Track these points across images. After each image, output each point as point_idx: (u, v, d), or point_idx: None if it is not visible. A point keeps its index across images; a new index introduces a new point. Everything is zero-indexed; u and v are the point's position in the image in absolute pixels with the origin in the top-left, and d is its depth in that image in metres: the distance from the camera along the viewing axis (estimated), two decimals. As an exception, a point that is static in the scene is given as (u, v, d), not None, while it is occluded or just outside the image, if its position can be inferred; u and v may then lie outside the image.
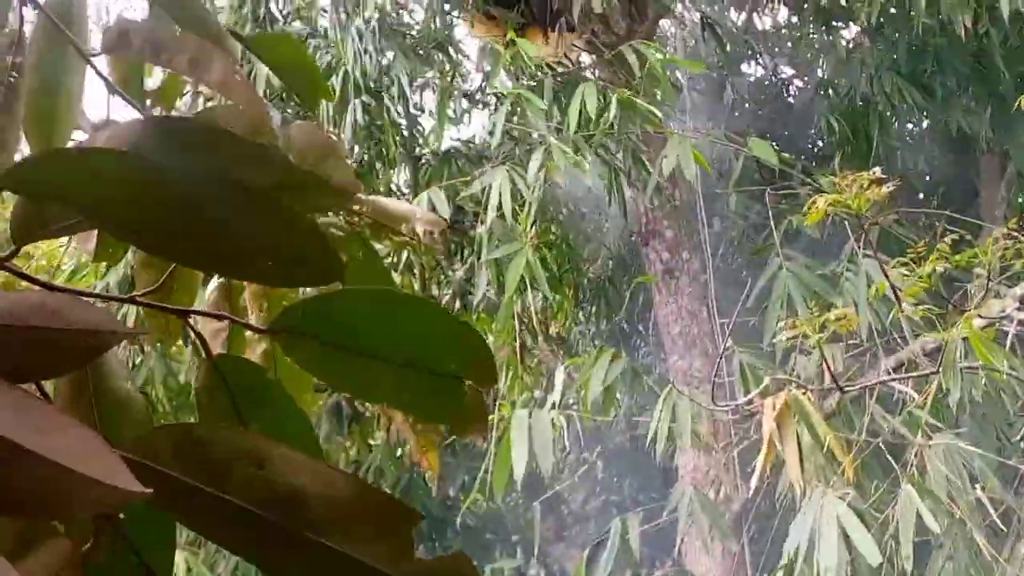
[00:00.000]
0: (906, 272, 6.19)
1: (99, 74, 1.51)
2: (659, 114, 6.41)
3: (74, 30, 1.48)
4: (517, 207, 6.39)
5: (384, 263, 1.73)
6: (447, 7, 8.21)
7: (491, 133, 7.03)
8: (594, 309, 9.66)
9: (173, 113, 1.76)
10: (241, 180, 0.96)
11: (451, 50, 8.10)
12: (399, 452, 7.92)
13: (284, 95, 6.81)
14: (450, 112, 8.02)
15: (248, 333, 1.49)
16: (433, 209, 6.22)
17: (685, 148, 6.44)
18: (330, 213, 1.66)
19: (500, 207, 6.29)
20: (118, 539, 1.01)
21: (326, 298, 1.18)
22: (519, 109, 6.92)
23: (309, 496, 0.92)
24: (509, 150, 7.03)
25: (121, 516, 1.01)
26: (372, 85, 7.16)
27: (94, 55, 1.47)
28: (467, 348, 1.16)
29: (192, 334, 1.30)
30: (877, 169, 5.93)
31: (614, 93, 6.40)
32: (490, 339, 6.72)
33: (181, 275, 1.52)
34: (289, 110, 6.72)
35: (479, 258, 6.58)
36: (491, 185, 6.32)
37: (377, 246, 1.71)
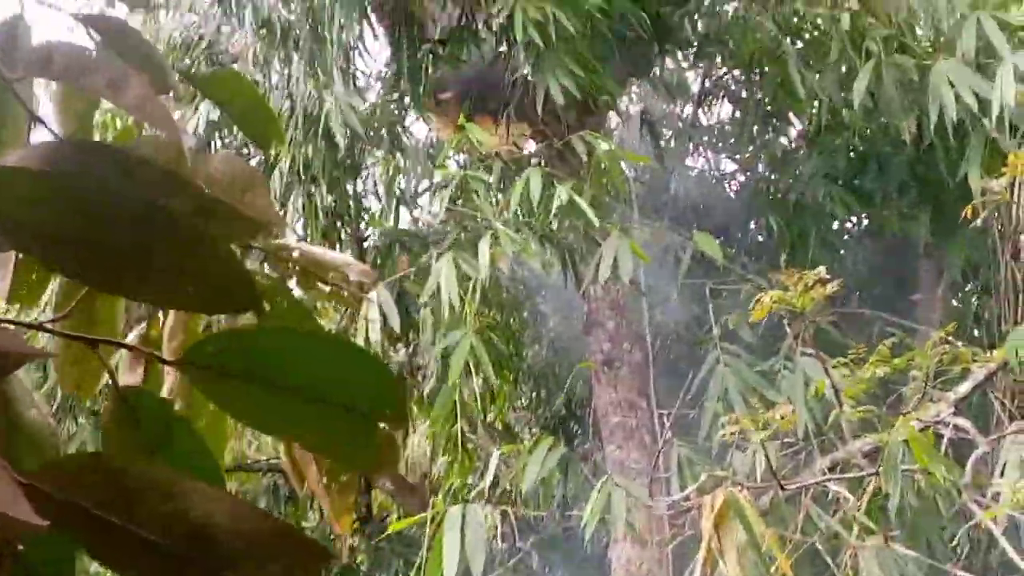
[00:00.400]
0: (847, 372, 6.26)
1: (18, 99, 1.47)
2: (594, 219, 6.44)
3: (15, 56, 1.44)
4: (462, 292, 6.38)
5: (308, 312, 1.72)
6: (395, 96, 8.28)
7: (436, 216, 7.05)
8: (534, 396, 9.63)
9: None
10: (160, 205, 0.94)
11: (401, 134, 8.16)
12: (331, 535, 7.80)
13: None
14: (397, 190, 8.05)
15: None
16: (383, 317, 6.23)
17: (624, 245, 6.49)
18: (259, 261, 1.65)
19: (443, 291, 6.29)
20: (17, 567, 0.96)
21: (238, 332, 1.18)
22: (465, 193, 6.95)
23: (221, 530, 0.90)
24: (456, 235, 7.04)
25: (20, 546, 0.97)
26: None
27: (17, 79, 1.44)
28: (380, 387, 1.16)
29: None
30: (821, 269, 6.00)
31: (560, 184, 6.44)
32: (427, 425, 6.68)
33: (103, 306, 1.51)
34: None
35: (424, 339, 6.55)
36: (438, 274, 6.31)
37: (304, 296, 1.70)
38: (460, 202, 7.06)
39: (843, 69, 7.81)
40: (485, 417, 7.91)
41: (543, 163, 7.74)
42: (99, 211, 0.94)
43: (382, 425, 1.17)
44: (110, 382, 1.24)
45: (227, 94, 1.66)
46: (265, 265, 1.69)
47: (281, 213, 6.86)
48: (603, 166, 6.67)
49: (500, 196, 6.91)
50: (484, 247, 6.32)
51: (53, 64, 1.40)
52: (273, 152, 7.28)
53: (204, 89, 1.66)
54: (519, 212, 6.53)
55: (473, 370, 6.21)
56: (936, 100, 6.70)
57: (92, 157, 1.03)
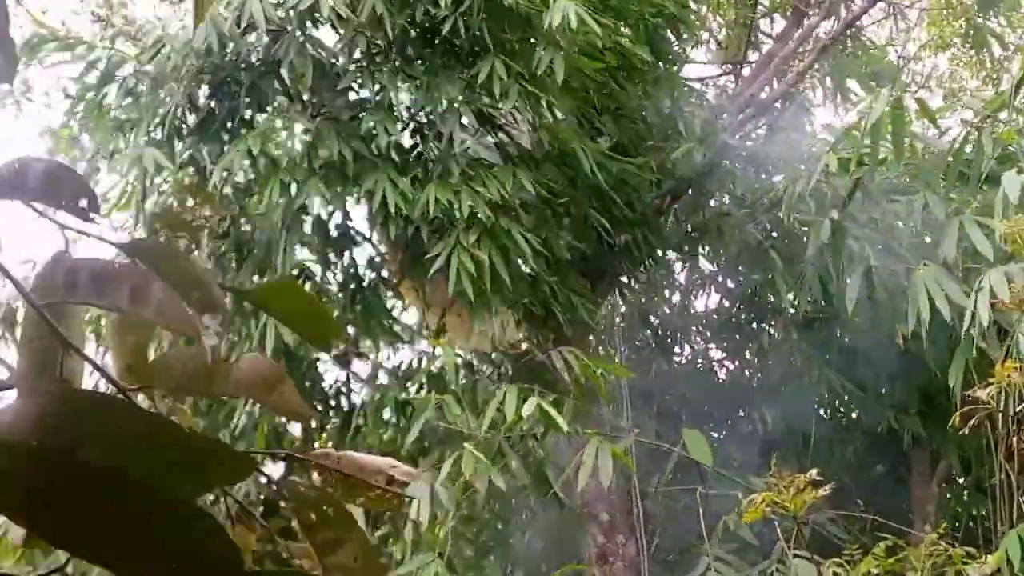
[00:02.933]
0: (840, 573, 6.20)
1: (50, 325, 1.45)
2: (564, 427, 6.48)
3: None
4: (438, 513, 6.40)
5: (353, 519, 1.63)
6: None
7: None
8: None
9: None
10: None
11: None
12: None
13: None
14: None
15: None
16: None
17: (604, 452, 6.52)
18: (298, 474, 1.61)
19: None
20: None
21: None
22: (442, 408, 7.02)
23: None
24: (440, 448, 7.08)
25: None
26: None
27: (46, 304, 1.44)
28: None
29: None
30: (813, 472, 6.00)
31: (534, 396, 6.49)
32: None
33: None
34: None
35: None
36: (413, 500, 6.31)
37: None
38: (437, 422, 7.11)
39: (828, 268, 7.97)
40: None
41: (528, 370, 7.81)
42: (83, 481, 0.93)
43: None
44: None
45: (280, 303, 1.64)
46: (311, 474, 1.67)
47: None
48: (582, 381, 6.75)
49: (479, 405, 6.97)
50: (445, 470, 6.36)
51: (78, 284, 1.41)
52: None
53: (256, 300, 1.66)
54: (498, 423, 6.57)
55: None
56: (914, 306, 6.86)
57: (78, 415, 1.03)
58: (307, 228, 7.60)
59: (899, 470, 9.29)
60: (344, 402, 8.27)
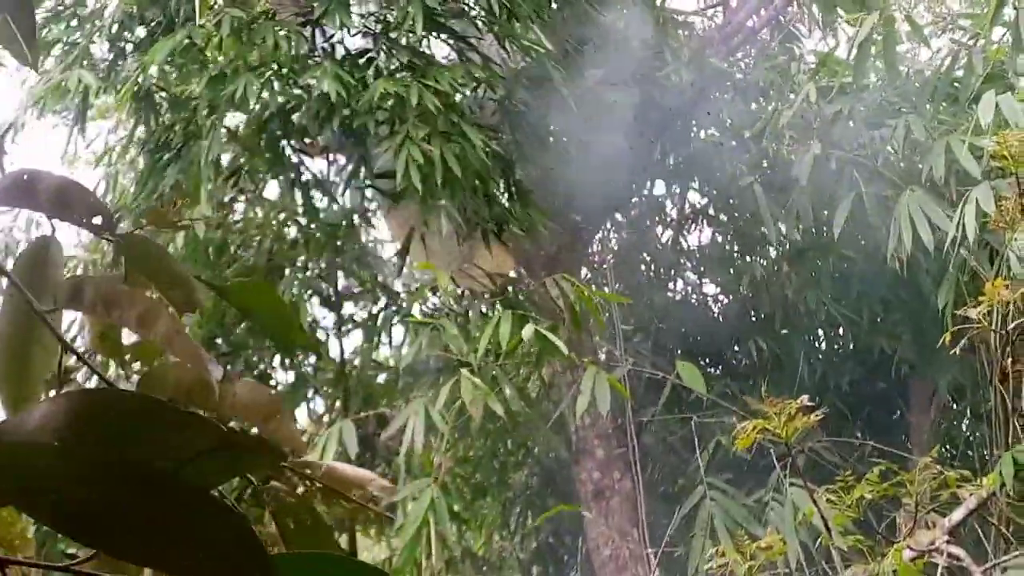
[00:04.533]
0: (834, 500, 6.19)
1: (52, 330, 1.48)
2: (564, 351, 6.41)
3: (46, 285, 1.48)
4: (432, 440, 6.34)
5: (331, 529, 1.72)
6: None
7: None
8: (521, 525, 9.51)
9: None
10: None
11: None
12: None
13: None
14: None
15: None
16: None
17: (601, 380, 6.46)
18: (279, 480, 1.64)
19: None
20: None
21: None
22: (435, 332, 6.94)
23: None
24: (433, 377, 7.04)
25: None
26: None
27: (49, 311, 1.46)
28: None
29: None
30: (804, 397, 5.96)
31: (535, 322, 6.43)
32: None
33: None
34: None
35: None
36: (405, 419, 6.27)
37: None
38: (429, 345, 7.04)
39: (817, 197, 7.91)
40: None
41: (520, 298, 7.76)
42: (112, 478, 0.94)
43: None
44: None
45: (252, 303, 1.71)
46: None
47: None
48: (577, 308, 6.66)
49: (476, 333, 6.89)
50: (443, 395, 6.31)
51: (84, 296, 1.45)
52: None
53: (230, 298, 1.70)
54: (490, 351, 6.50)
55: (432, 524, 6.10)
56: (896, 231, 6.81)
57: (109, 412, 1.04)
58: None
59: (896, 398, 9.28)
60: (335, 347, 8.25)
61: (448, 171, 6.57)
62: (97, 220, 1.46)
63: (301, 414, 8.26)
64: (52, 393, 1.53)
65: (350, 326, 8.14)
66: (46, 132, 7.63)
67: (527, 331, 6.21)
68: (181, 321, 1.48)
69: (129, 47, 7.38)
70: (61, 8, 7.60)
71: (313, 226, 7.79)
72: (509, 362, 6.68)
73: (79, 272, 7.72)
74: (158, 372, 1.56)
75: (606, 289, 8.69)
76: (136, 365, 1.74)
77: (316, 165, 8.07)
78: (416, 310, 7.92)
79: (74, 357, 1.58)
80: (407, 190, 6.66)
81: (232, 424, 1.55)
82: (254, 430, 1.60)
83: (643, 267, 10.03)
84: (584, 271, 9.33)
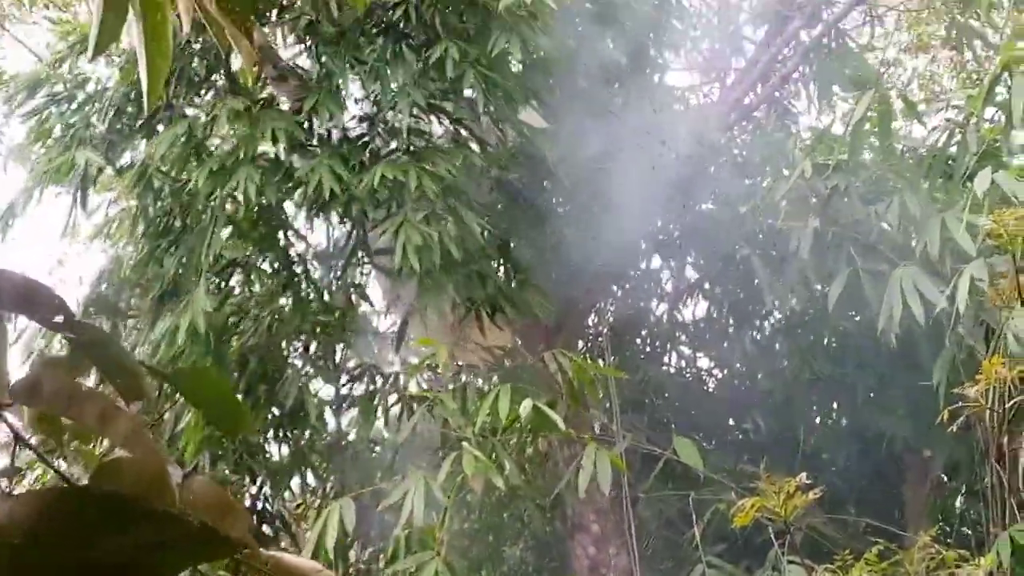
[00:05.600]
0: (835, 580, 6.15)
1: (8, 425, 1.49)
2: (562, 427, 6.40)
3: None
4: (434, 514, 6.31)
5: None
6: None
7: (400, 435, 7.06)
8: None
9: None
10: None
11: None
12: None
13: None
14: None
15: None
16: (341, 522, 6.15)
17: (602, 457, 6.45)
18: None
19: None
20: None
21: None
22: (434, 409, 6.95)
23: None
24: (430, 453, 7.02)
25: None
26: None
27: (5, 405, 1.45)
28: None
29: None
30: (803, 475, 5.95)
31: (533, 397, 6.42)
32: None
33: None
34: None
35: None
36: (406, 492, 6.23)
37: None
38: (430, 420, 7.04)
39: (812, 271, 7.96)
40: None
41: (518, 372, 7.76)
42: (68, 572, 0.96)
43: None
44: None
45: (197, 390, 1.70)
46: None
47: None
48: (575, 384, 6.67)
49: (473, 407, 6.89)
50: (446, 468, 6.28)
51: (41, 393, 1.42)
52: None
53: (175, 385, 1.67)
54: (487, 425, 6.49)
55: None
56: (887, 305, 6.84)
57: (72, 510, 1.04)
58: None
59: (891, 474, 9.24)
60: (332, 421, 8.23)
61: (446, 253, 6.65)
62: (59, 319, 1.47)
63: (295, 485, 8.22)
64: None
65: (348, 402, 8.11)
66: (48, 201, 7.66)
67: (525, 406, 6.20)
68: (139, 419, 1.47)
69: (127, 128, 7.46)
70: (61, 92, 7.69)
71: (312, 303, 7.81)
72: (506, 437, 6.66)
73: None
74: (113, 466, 1.49)
75: (601, 362, 8.70)
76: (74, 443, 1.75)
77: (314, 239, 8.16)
78: (413, 384, 7.91)
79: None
80: (404, 270, 6.73)
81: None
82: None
83: (639, 340, 10.03)
84: (580, 343, 9.34)
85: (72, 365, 1.58)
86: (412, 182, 6.65)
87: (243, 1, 2.08)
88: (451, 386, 7.20)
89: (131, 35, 2.03)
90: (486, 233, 6.98)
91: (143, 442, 1.42)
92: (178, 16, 2.09)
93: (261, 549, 1.58)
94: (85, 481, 1.62)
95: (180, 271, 7.18)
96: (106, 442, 1.52)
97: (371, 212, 6.95)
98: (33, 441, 1.64)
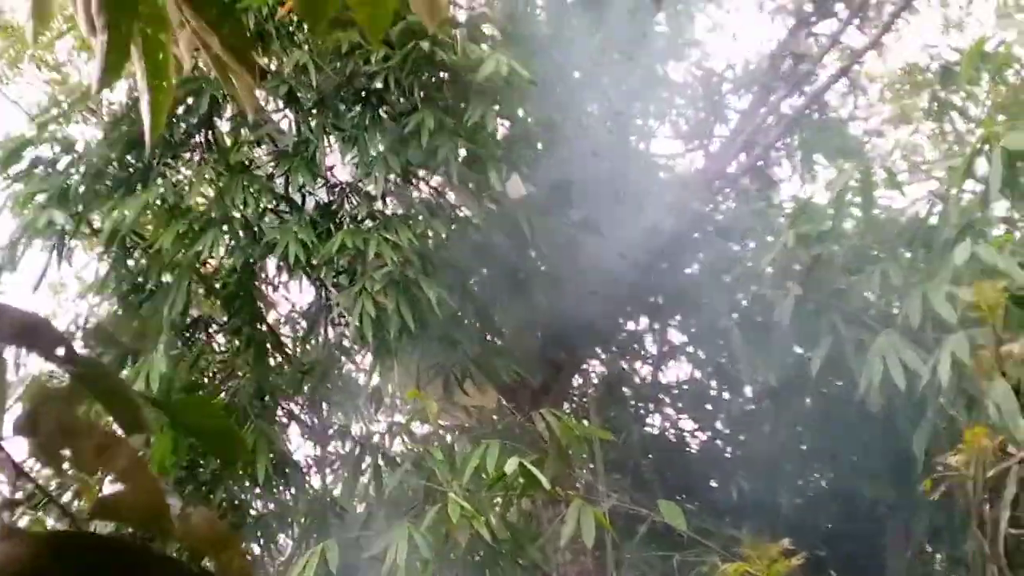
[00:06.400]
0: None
1: (9, 459, 1.49)
2: (547, 484, 6.45)
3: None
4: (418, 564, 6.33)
5: None
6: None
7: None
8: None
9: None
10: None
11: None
12: None
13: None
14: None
15: None
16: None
17: (586, 513, 6.48)
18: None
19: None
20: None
21: None
22: (421, 463, 7.00)
23: None
24: (416, 509, 7.03)
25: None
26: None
27: (4, 439, 1.47)
28: None
29: None
30: (786, 540, 5.99)
31: (521, 455, 6.46)
32: None
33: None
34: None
35: None
36: (390, 546, 6.26)
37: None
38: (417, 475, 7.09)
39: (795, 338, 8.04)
40: None
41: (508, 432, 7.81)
42: None
43: None
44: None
45: (195, 419, 1.72)
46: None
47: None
48: (563, 443, 6.72)
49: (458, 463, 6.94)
50: (430, 516, 6.33)
51: (40, 426, 1.46)
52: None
53: (173, 416, 1.70)
54: (471, 483, 6.54)
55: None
56: (867, 372, 6.93)
57: (73, 554, 1.06)
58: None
59: (874, 539, 9.26)
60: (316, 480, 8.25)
61: (403, 322, 6.72)
62: (60, 351, 1.47)
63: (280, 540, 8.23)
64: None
65: (332, 458, 8.14)
66: (37, 253, 7.66)
67: (511, 464, 6.25)
68: (139, 453, 1.48)
69: (105, 189, 7.50)
70: (46, 156, 7.72)
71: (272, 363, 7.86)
72: (491, 494, 6.70)
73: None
74: (112, 500, 1.51)
75: (586, 423, 8.74)
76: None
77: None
78: (398, 442, 7.95)
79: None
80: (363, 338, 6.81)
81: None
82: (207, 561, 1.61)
83: (623, 402, 10.08)
84: (566, 405, 9.38)
85: (71, 397, 1.60)
86: (371, 250, 6.74)
87: (243, 38, 2.11)
88: (436, 443, 7.24)
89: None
90: (443, 304, 7.04)
91: (142, 475, 1.44)
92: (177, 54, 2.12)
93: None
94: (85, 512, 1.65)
95: (144, 330, 7.22)
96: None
97: (332, 278, 7.05)
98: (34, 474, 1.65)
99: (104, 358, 7.20)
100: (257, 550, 7.92)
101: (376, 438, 8.32)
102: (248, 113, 6.88)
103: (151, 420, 1.63)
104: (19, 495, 1.57)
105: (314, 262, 6.89)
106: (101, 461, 1.43)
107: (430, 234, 7.30)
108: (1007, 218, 7.80)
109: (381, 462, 7.90)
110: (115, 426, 1.56)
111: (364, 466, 8.13)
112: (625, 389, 10.21)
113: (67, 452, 1.49)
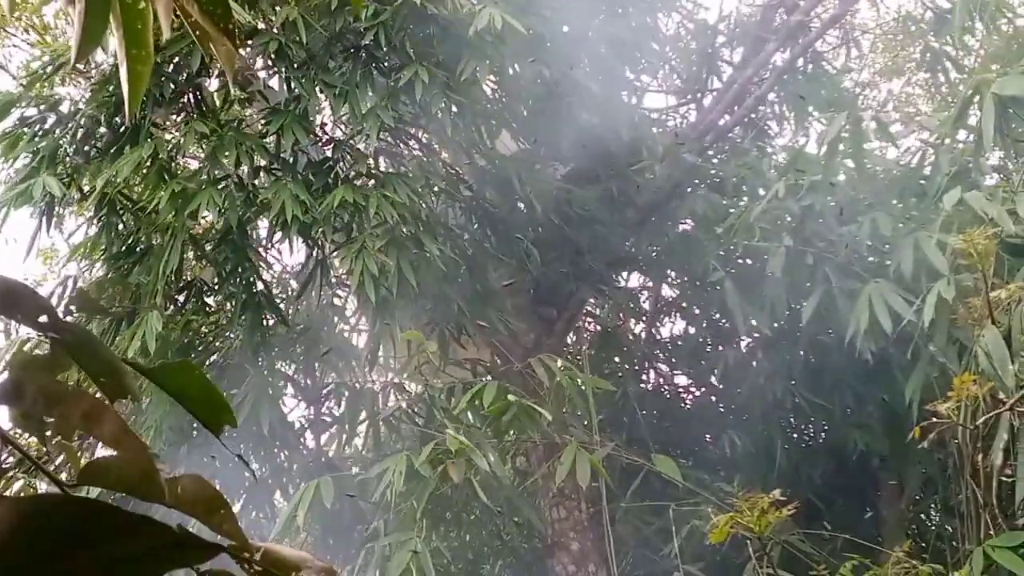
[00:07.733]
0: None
1: (7, 438, 1.49)
2: (548, 415, 6.48)
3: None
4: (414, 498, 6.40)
5: None
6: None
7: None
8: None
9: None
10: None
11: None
12: None
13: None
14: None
15: None
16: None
17: (582, 455, 6.50)
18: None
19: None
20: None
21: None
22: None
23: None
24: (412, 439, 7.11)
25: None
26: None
27: None
28: None
29: None
30: (776, 491, 6.01)
31: (517, 398, 6.50)
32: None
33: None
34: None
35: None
36: (388, 470, 6.31)
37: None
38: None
39: (788, 289, 8.03)
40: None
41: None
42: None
43: None
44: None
45: (179, 384, 1.69)
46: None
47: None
48: (563, 387, 6.75)
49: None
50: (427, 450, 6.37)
51: (26, 393, 1.44)
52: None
53: (157, 380, 1.69)
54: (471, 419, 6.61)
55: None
56: (855, 319, 6.93)
57: (57, 518, 1.05)
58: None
59: (867, 490, 9.30)
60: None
61: (403, 280, 6.70)
62: (43, 319, 1.45)
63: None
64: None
65: (327, 419, 8.17)
66: (24, 219, 7.58)
67: (512, 397, 6.31)
68: (124, 419, 1.46)
69: (95, 151, 7.43)
70: (33, 115, 7.63)
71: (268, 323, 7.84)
72: (488, 434, 6.76)
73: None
74: (100, 466, 1.49)
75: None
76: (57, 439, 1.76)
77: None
78: (392, 399, 7.97)
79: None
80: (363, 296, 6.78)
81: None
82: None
83: (617, 359, 10.09)
84: (559, 362, 9.39)
85: (55, 365, 1.58)
86: (372, 208, 6.68)
87: (222, 4, 2.08)
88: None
89: (112, 42, 2.04)
90: (446, 259, 7.01)
91: (130, 440, 1.43)
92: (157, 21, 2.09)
93: (254, 541, 1.59)
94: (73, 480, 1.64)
95: (138, 292, 7.18)
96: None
97: (331, 236, 7.00)
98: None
99: (99, 321, 7.20)
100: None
101: (370, 397, 8.33)
102: (228, 79, 6.80)
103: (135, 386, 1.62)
104: (8, 462, 1.58)
105: (310, 219, 6.83)
106: (87, 427, 1.43)
107: (425, 192, 7.25)
108: (1000, 167, 7.78)
109: (378, 417, 7.93)
110: (87, 368, 1.55)
111: (359, 421, 8.17)
112: (619, 345, 10.21)
113: (51, 419, 1.50)
